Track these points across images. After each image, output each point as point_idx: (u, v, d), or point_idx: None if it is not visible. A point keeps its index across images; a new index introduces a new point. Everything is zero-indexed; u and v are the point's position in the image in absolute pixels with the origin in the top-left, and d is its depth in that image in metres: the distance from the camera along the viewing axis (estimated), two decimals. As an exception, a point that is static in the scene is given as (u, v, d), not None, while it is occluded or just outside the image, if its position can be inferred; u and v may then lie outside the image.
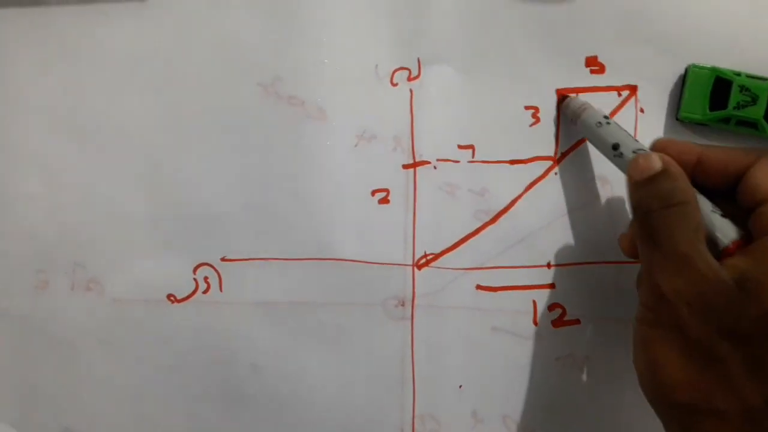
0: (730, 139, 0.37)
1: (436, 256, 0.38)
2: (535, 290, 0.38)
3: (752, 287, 0.27)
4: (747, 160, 0.31)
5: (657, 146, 0.33)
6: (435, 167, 0.38)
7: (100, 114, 0.38)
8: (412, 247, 0.38)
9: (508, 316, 0.38)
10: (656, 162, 0.31)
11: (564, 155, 0.38)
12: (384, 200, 0.38)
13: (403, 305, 0.37)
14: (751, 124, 0.36)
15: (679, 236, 0.29)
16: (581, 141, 0.38)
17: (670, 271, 0.29)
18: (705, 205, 0.31)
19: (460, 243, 0.38)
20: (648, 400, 0.31)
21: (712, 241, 0.30)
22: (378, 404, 0.37)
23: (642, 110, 0.38)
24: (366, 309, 0.37)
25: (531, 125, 0.38)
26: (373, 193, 0.38)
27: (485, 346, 0.37)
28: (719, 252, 0.30)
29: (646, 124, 0.38)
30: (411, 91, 0.38)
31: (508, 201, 0.38)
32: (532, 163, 0.38)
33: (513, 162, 0.38)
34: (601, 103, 0.38)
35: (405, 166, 0.38)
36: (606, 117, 0.35)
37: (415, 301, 0.37)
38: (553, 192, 0.38)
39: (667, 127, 0.38)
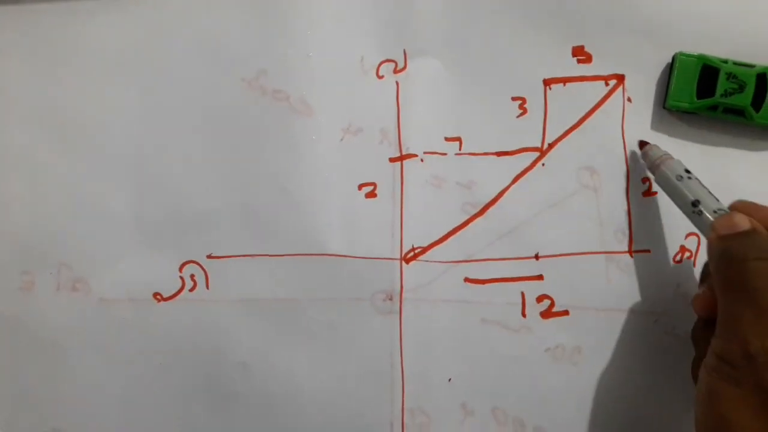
0: (718, 127, 0.37)
1: (424, 250, 0.38)
2: (524, 282, 0.37)
3: None
4: None
5: (739, 208, 0.32)
6: (422, 160, 0.38)
7: (83, 112, 0.38)
8: (399, 241, 0.37)
9: (496, 308, 0.37)
10: (744, 221, 0.30)
11: (551, 146, 0.38)
12: (371, 194, 0.38)
13: (391, 299, 0.37)
14: (739, 112, 0.36)
15: None
16: (568, 131, 0.38)
17: (762, 330, 0.27)
18: None
19: (448, 236, 0.38)
20: None
21: None
22: (367, 399, 0.37)
23: (630, 99, 0.37)
24: (354, 304, 0.37)
25: (518, 116, 0.38)
26: (360, 187, 0.38)
27: (474, 339, 0.37)
28: None
29: (633, 113, 0.37)
30: (397, 83, 0.38)
31: (496, 193, 0.38)
32: (520, 154, 0.38)
33: (500, 154, 0.38)
34: (589, 93, 0.37)
35: (392, 160, 0.38)
36: (687, 171, 0.34)
37: (404, 295, 0.37)
38: (540, 183, 0.37)
39: (655, 116, 0.38)
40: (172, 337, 0.38)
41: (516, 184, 0.38)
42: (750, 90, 0.36)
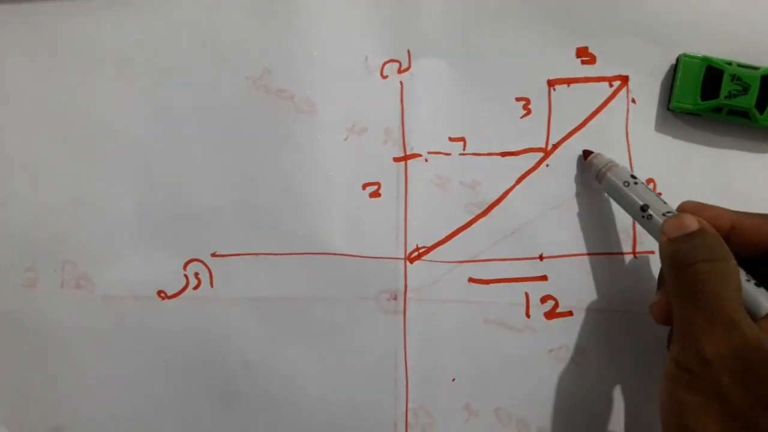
0: (722, 129, 0.37)
1: (428, 250, 0.38)
2: (528, 282, 0.37)
3: None
4: None
5: (687, 209, 0.32)
6: (426, 160, 0.38)
7: (87, 111, 0.37)
8: (404, 241, 0.37)
9: (500, 308, 0.37)
10: (693, 222, 0.30)
11: (555, 147, 0.38)
12: (375, 194, 0.38)
13: (395, 299, 0.37)
14: (743, 113, 0.36)
15: (725, 296, 0.27)
16: (572, 132, 0.38)
17: (715, 335, 0.27)
18: (740, 273, 0.29)
19: (452, 236, 0.38)
20: None
21: (747, 310, 0.28)
22: (371, 398, 0.37)
23: (634, 100, 0.38)
24: (358, 303, 0.37)
25: (522, 117, 0.38)
26: (364, 186, 0.38)
27: (478, 339, 0.37)
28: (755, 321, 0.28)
29: (637, 115, 0.38)
30: (401, 83, 0.38)
31: (500, 193, 0.38)
32: (524, 155, 0.38)
33: (504, 154, 0.38)
34: (593, 94, 0.38)
35: (396, 159, 0.38)
36: (633, 176, 0.34)
37: (408, 295, 0.37)
38: (544, 184, 0.38)
39: (659, 117, 0.38)
40: (175, 335, 0.37)
41: (520, 184, 0.38)
42: (754, 92, 0.36)
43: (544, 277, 0.37)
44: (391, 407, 0.37)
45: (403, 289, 0.37)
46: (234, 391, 0.37)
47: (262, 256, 0.37)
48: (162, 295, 0.38)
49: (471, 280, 0.38)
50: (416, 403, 0.37)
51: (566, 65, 0.38)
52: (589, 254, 0.37)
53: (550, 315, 0.37)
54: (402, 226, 0.38)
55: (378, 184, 0.38)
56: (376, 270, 0.37)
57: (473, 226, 0.38)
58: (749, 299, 0.29)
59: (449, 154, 0.38)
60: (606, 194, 0.36)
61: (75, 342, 0.37)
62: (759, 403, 0.26)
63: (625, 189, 0.34)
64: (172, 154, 0.37)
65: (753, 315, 0.29)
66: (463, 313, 0.37)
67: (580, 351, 0.37)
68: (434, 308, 0.37)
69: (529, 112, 0.38)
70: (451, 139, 0.38)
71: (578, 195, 0.38)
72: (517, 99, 0.38)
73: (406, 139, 0.38)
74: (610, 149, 0.37)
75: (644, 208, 0.33)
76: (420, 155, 0.38)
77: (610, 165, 0.35)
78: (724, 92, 0.36)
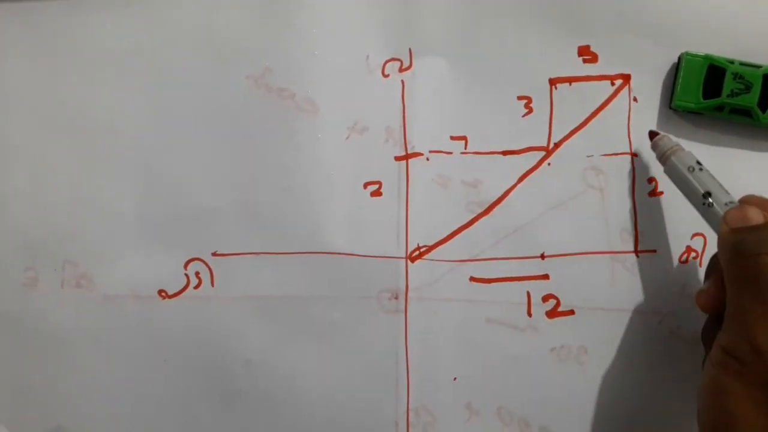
0: (724, 128, 0.37)
1: (430, 249, 0.38)
2: (529, 281, 0.37)
3: None
4: None
5: (750, 201, 0.31)
6: (427, 159, 0.38)
7: (88, 109, 0.37)
8: (405, 240, 0.37)
9: (502, 307, 0.37)
10: (757, 215, 0.30)
11: (557, 145, 0.38)
12: (376, 192, 0.38)
13: (396, 298, 0.37)
14: (745, 112, 0.36)
15: None
16: (574, 131, 0.38)
17: None
18: None
19: (454, 235, 0.38)
20: None
21: None
22: (372, 397, 0.37)
23: (635, 99, 0.37)
24: (359, 302, 0.37)
25: (524, 115, 0.38)
26: (366, 185, 0.38)
27: (479, 338, 0.37)
28: None
29: (639, 113, 0.37)
30: (402, 82, 0.38)
31: (502, 192, 0.38)
32: (525, 153, 0.38)
33: (506, 153, 0.38)
34: (595, 93, 0.37)
35: (397, 158, 0.38)
36: (699, 163, 0.33)
37: (409, 294, 0.37)
38: (546, 182, 0.37)
39: (661, 116, 0.38)
40: (176, 334, 0.37)
41: (522, 183, 0.38)
42: (756, 90, 0.36)
43: (545, 276, 0.37)
44: (392, 406, 0.37)
45: (404, 288, 0.37)
46: (235, 391, 0.37)
47: (262, 255, 0.37)
48: (163, 294, 0.37)
49: (472, 279, 0.37)
50: (417, 402, 0.37)
51: (568, 64, 0.37)
52: (590, 253, 0.37)
53: (552, 314, 0.37)
54: (403, 225, 0.37)
55: (379, 183, 0.38)
56: (377, 269, 0.37)
57: (474, 225, 0.38)
58: None
59: (450, 153, 0.38)
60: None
61: (75, 341, 0.37)
62: None
63: (688, 174, 0.33)
64: (173, 153, 0.37)
65: None
66: (464, 313, 0.37)
67: (581, 350, 0.37)
68: (435, 307, 0.37)
69: (530, 110, 0.38)
70: (452, 138, 0.38)
71: (580, 194, 0.37)
72: (519, 98, 0.38)
73: (407, 138, 0.38)
74: (611, 148, 0.37)
75: (706, 195, 0.32)
76: (421, 154, 0.38)
77: (676, 149, 0.35)
78: (726, 91, 0.36)
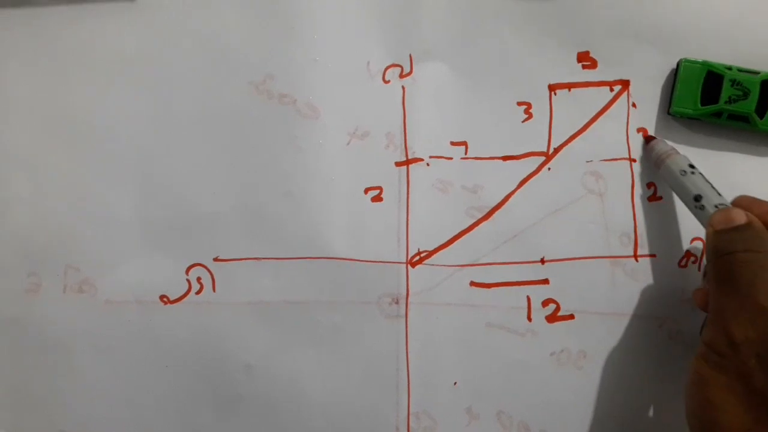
0: (722, 133, 0.37)
1: (430, 254, 0.38)
2: (529, 286, 0.38)
3: None
4: None
5: (740, 203, 0.33)
6: (428, 164, 0.38)
7: (90, 115, 0.38)
8: (405, 245, 0.38)
9: (502, 312, 0.38)
10: (741, 216, 0.31)
11: (557, 150, 0.38)
12: (377, 198, 0.38)
13: (397, 303, 0.37)
14: (743, 118, 0.36)
15: (759, 286, 0.29)
16: (574, 136, 0.38)
17: (745, 320, 0.29)
18: None
19: (454, 240, 0.38)
20: None
21: None
22: (373, 402, 0.37)
23: (634, 105, 0.38)
24: (360, 307, 0.37)
25: (523, 121, 0.38)
26: (366, 191, 0.38)
27: (480, 343, 0.37)
28: None
29: (638, 119, 0.38)
30: (403, 87, 0.38)
31: (502, 197, 0.38)
32: (525, 159, 0.38)
33: (506, 158, 0.38)
34: (594, 98, 0.38)
35: (398, 164, 0.38)
36: (691, 166, 0.35)
37: (409, 299, 0.37)
38: (546, 187, 0.38)
39: (660, 122, 0.38)
40: (178, 339, 0.38)
41: (522, 188, 0.38)
42: (754, 97, 0.36)
43: (545, 281, 0.38)
44: (392, 411, 0.37)
45: (404, 293, 0.37)
46: (236, 396, 0.38)
47: (264, 260, 0.37)
48: (164, 299, 0.38)
49: (472, 283, 0.38)
50: (418, 406, 0.37)
51: (567, 70, 0.38)
52: (590, 258, 0.38)
53: (552, 318, 0.38)
54: (404, 230, 0.38)
55: (380, 188, 0.38)
56: (377, 274, 0.37)
57: (475, 230, 0.38)
58: None
59: (451, 159, 0.38)
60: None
61: (78, 347, 0.37)
62: None
63: (681, 177, 0.34)
64: (175, 159, 0.38)
65: None
66: (464, 317, 0.38)
67: (581, 354, 0.38)
68: (436, 312, 0.37)
69: (530, 116, 0.38)
70: (452, 144, 0.38)
71: (579, 199, 0.38)
72: (519, 103, 0.38)
73: (407, 144, 0.38)
74: (610, 153, 0.38)
75: (698, 198, 0.33)
76: (422, 159, 0.38)
77: (671, 152, 0.36)
78: (724, 97, 0.36)
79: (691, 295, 0.37)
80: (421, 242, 0.38)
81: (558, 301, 0.38)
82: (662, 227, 0.37)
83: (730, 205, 0.33)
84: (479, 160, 0.38)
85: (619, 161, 0.38)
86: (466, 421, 0.38)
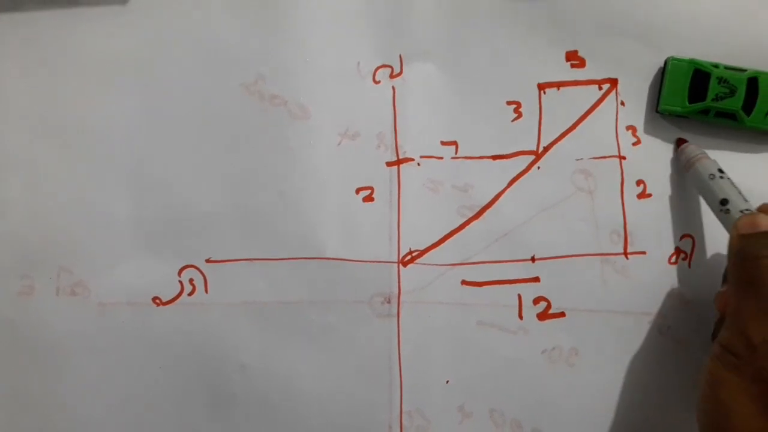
0: (709, 130, 0.38)
1: (421, 253, 0.38)
2: (520, 284, 0.38)
3: None
4: None
5: (766, 209, 0.33)
6: (418, 164, 0.38)
7: (82, 117, 0.38)
8: (397, 245, 0.38)
9: (493, 310, 0.38)
10: (766, 221, 0.32)
11: (546, 149, 0.38)
12: (368, 198, 0.38)
13: (389, 302, 0.38)
14: (730, 115, 0.37)
15: None
16: (563, 135, 0.38)
17: (765, 322, 0.29)
18: None
19: (445, 239, 0.38)
20: None
21: None
22: (366, 401, 0.37)
23: (623, 103, 0.38)
24: (352, 307, 0.38)
25: (513, 120, 0.38)
26: (358, 191, 0.38)
27: (471, 341, 0.38)
28: None
29: (626, 117, 0.38)
30: (393, 88, 0.38)
31: (492, 196, 0.38)
32: (515, 158, 0.38)
33: (496, 157, 0.38)
34: (583, 97, 0.38)
35: (389, 164, 0.38)
36: (720, 170, 0.35)
37: (401, 298, 0.38)
38: (536, 186, 0.38)
39: (648, 119, 0.38)
40: (171, 340, 0.38)
41: (512, 187, 0.38)
42: (741, 94, 0.36)
43: (536, 279, 0.38)
44: (385, 410, 0.38)
45: (396, 292, 0.38)
46: (229, 396, 0.38)
47: (256, 261, 0.38)
48: (157, 301, 0.38)
49: (464, 282, 0.38)
50: (410, 405, 0.38)
51: (556, 69, 0.38)
52: (580, 255, 0.38)
53: (543, 316, 0.38)
54: (395, 229, 0.38)
55: (371, 188, 0.38)
56: (369, 274, 0.38)
57: (466, 229, 0.38)
58: None
59: (441, 158, 0.38)
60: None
61: (71, 349, 0.38)
62: None
63: (709, 181, 0.35)
64: (167, 160, 0.38)
65: None
66: (456, 316, 0.38)
67: (572, 351, 0.38)
68: (428, 311, 0.38)
69: (520, 115, 0.38)
70: (443, 143, 0.38)
71: (569, 197, 0.38)
72: (508, 102, 0.38)
73: (398, 144, 0.38)
74: (600, 151, 0.38)
75: (723, 202, 0.34)
76: (412, 159, 0.38)
77: (700, 156, 0.36)
78: (711, 95, 0.36)
79: (683, 296, 0.37)
80: (413, 242, 0.38)
81: (549, 299, 0.38)
82: (652, 224, 0.38)
83: (756, 211, 0.33)
84: (469, 160, 0.38)
85: (608, 159, 0.38)
86: (458, 420, 0.38)
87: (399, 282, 0.38)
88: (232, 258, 0.38)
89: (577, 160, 0.38)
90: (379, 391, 0.38)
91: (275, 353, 0.38)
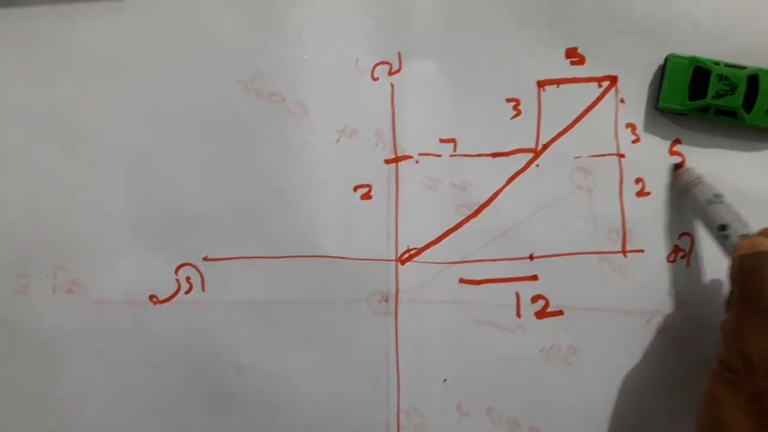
0: (709, 128, 0.38)
1: (419, 251, 0.38)
2: (518, 282, 0.38)
3: None
4: None
5: (766, 233, 0.33)
6: (417, 162, 0.38)
7: (79, 115, 0.38)
8: (395, 243, 0.38)
9: (491, 308, 0.38)
10: (766, 243, 0.31)
11: (545, 147, 0.38)
12: (366, 196, 0.38)
13: (387, 300, 0.38)
14: (730, 113, 0.36)
15: None
16: (562, 132, 0.38)
17: (763, 339, 0.29)
18: None
19: (443, 237, 0.38)
20: None
21: None
22: (363, 400, 0.37)
23: (623, 100, 0.38)
24: (350, 305, 0.37)
25: (512, 118, 0.38)
26: (356, 188, 0.38)
27: (469, 340, 0.38)
28: None
29: (626, 114, 0.38)
30: (392, 85, 0.38)
31: (491, 194, 0.38)
32: (514, 155, 0.38)
33: (495, 155, 0.38)
34: (582, 94, 0.38)
35: (387, 161, 0.38)
36: (717, 195, 0.35)
37: (399, 296, 0.38)
38: (535, 184, 0.38)
39: (648, 117, 0.38)
40: (168, 339, 0.38)
41: (510, 185, 0.38)
42: (741, 91, 0.36)
43: (534, 277, 0.38)
44: (383, 408, 0.38)
45: (394, 290, 0.38)
46: (227, 394, 0.38)
47: (253, 259, 0.37)
48: (154, 299, 0.38)
49: (462, 280, 0.38)
50: (408, 403, 0.38)
51: (555, 66, 0.38)
52: (579, 254, 0.38)
53: (541, 314, 0.38)
54: (393, 227, 0.38)
55: (369, 186, 0.38)
56: (367, 272, 0.37)
57: (464, 227, 0.38)
58: None
59: (440, 156, 0.38)
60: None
61: (68, 347, 0.38)
62: None
63: (706, 207, 0.35)
64: (164, 158, 0.38)
65: None
66: (454, 314, 0.38)
67: (570, 350, 0.38)
68: (425, 309, 0.38)
69: (519, 113, 0.38)
70: (441, 141, 0.38)
71: (568, 195, 0.38)
72: (507, 100, 0.38)
73: (396, 141, 0.38)
74: (599, 149, 0.38)
75: (722, 227, 0.33)
76: (411, 157, 0.38)
77: (696, 182, 0.36)
78: (711, 92, 0.36)
79: (682, 295, 0.37)
80: (411, 240, 0.38)
81: (547, 297, 0.38)
82: (650, 223, 0.38)
83: (757, 234, 0.33)
84: (468, 157, 0.38)
85: (607, 157, 0.38)
86: (456, 418, 0.38)
87: (397, 280, 0.38)
88: (230, 256, 0.38)
89: (576, 158, 0.38)
90: (377, 389, 0.38)
91: (272, 352, 0.38)
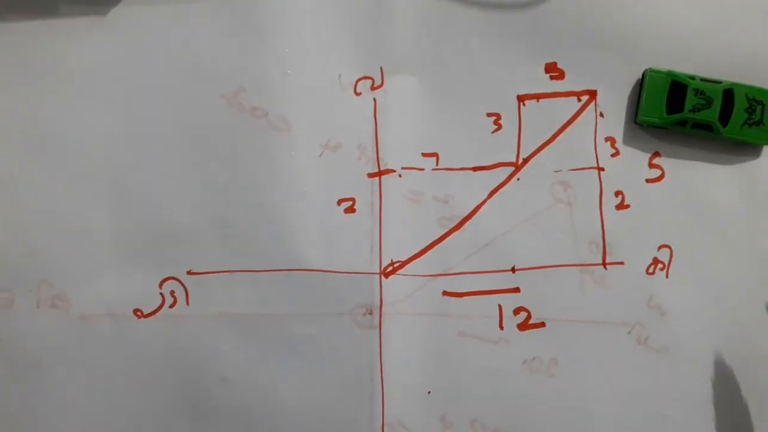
0: (687, 141, 0.38)
1: (403, 264, 0.38)
2: (501, 294, 0.38)
3: None
4: None
5: None
6: (400, 175, 0.38)
7: (61, 129, 0.38)
8: (378, 256, 0.38)
9: (474, 321, 0.38)
10: None
11: (526, 161, 0.38)
12: (350, 209, 0.38)
13: (371, 313, 0.38)
14: (707, 127, 0.37)
15: None
16: (542, 146, 0.38)
17: None
18: None
19: (426, 250, 0.38)
20: None
21: None
22: (347, 413, 0.38)
23: (602, 114, 0.38)
24: (334, 318, 0.38)
25: (493, 132, 0.38)
26: (339, 202, 0.38)
27: (453, 352, 0.38)
28: None
29: (605, 128, 0.38)
30: (375, 100, 0.38)
31: (473, 207, 0.38)
32: (495, 169, 0.38)
33: (476, 168, 0.38)
34: (562, 109, 0.38)
35: (370, 175, 0.38)
36: None
37: (383, 309, 0.38)
38: (516, 197, 0.38)
39: (627, 131, 0.38)
40: (152, 353, 0.38)
41: (492, 198, 0.38)
42: (717, 105, 0.37)
43: (516, 289, 0.38)
44: (367, 421, 0.38)
45: (378, 303, 0.38)
46: (211, 408, 0.38)
47: (237, 273, 0.38)
48: (138, 313, 0.38)
49: (445, 293, 0.38)
50: (392, 417, 0.38)
51: (536, 81, 0.38)
52: (560, 266, 0.38)
53: (523, 326, 0.38)
54: (377, 241, 0.38)
55: (353, 199, 0.38)
56: (351, 285, 0.38)
57: (447, 239, 0.38)
58: None
59: (422, 170, 0.38)
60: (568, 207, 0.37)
61: (52, 361, 0.37)
62: None
63: None
64: (147, 172, 0.38)
65: None
66: (437, 326, 0.38)
67: (552, 361, 0.38)
68: (409, 322, 0.38)
69: (500, 127, 0.38)
70: (424, 155, 0.38)
71: (549, 208, 0.38)
72: (488, 114, 0.38)
73: (379, 155, 0.38)
74: (579, 162, 0.38)
75: None
76: (394, 171, 0.38)
77: None
78: (688, 106, 0.37)
79: (662, 307, 0.37)
80: (394, 253, 0.38)
81: (529, 309, 0.38)
82: (630, 235, 0.38)
83: None
84: (450, 171, 0.38)
85: (587, 170, 0.38)
86: (440, 430, 0.38)
87: (381, 293, 0.38)
88: (214, 270, 0.38)
89: (556, 171, 0.38)
90: (361, 402, 0.38)
91: (256, 365, 0.38)
